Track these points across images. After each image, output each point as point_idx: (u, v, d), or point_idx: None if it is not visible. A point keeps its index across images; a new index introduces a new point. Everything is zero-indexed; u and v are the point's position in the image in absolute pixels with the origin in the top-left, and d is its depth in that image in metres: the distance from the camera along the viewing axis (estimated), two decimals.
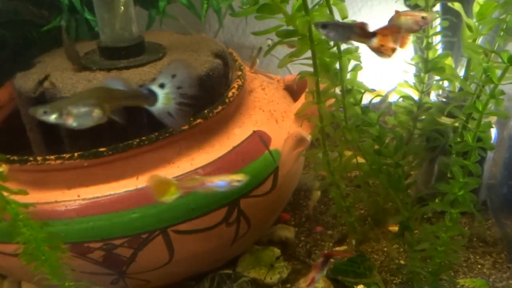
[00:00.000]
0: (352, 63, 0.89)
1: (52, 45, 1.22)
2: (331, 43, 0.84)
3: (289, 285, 1.12)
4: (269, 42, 1.05)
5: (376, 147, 0.94)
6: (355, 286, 1.06)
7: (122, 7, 1.05)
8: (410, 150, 1.01)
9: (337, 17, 0.81)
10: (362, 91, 0.90)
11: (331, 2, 0.79)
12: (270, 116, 1.10)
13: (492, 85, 0.84)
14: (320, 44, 0.82)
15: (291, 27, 0.83)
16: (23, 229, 0.73)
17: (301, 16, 0.79)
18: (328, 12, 0.79)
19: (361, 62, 0.88)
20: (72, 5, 1.22)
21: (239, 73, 1.13)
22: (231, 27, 1.93)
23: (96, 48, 1.12)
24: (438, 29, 1.05)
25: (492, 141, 1.07)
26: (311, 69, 0.90)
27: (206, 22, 1.90)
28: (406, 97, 1.10)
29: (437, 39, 1.07)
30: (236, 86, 1.07)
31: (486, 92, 0.84)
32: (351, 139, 0.91)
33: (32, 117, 0.99)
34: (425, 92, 1.10)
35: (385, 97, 1.31)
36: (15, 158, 0.92)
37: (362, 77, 0.95)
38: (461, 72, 1.16)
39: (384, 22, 0.76)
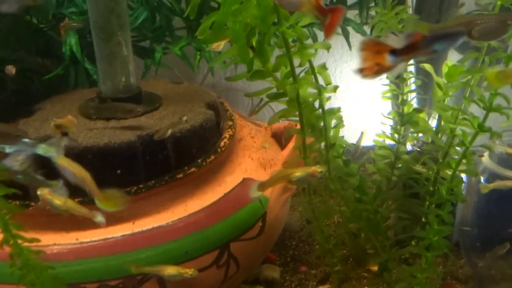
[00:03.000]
0: (335, 122, 0.98)
1: (51, 92, 1.29)
2: (316, 105, 0.93)
3: None
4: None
5: (357, 195, 1.02)
6: None
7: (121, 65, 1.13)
8: (388, 196, 1.10)
9: (322, 82, 0.91)
10: (344, 146, 0.99)
11: (316, 71, 0.89)
12: (258, 164, 1.18)
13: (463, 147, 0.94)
14: (307, 107, 0.91)
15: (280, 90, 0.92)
16: (31, 274, 0.78)
17: (290, 84, 0.88)
18: (313, 79, 0.89)
19: (342, 122, 0.98)
20: (73, 55, 1.31)
21: (230, 123, 1.21)
22: (220, 70, 2.03)
23: (95, 96, 1.19)
24: (413, 87, 1.17)
25: (462, 187, 1.18)
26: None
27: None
28: (383, 147, 1.20)
29: (412, 95, 1.18)
30: (227, 136, 1.15)
31: (454, 148, 0.94)
32: (334, 188, 1.00)
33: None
34: (401, 142, 1.20)
35: (357, 145, 1.41)
36: (17, 203, 0.97)
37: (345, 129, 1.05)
38: (434, 123, 1.27)
39: None
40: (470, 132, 0.92)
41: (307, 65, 0.89)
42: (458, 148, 0.94)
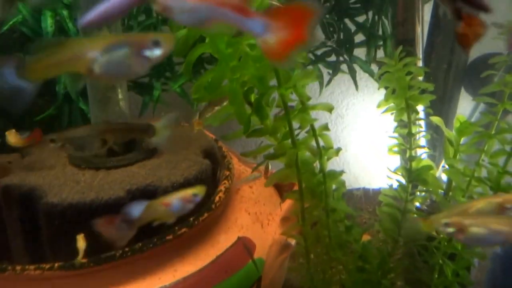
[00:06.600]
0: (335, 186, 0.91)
1: (44, 131, 1.23)
2: (317, 170, 0.86)
3: None
4: None
5: (360, 264, 0.94)
6: None
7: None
8: (393, 268, 1.01)
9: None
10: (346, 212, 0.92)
11: (317, 133, 0.82)
12: (255, 219, 1.11)
13: None
14: (306, 173, 0.84)
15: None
16: None
17: (289, 148, 0.81)
18: (314, 143, 0.82)
19: (345, 188, 0.91)
20: (67, 94, 1.25)
21: (227, 173, 1.14)
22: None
23: None
24: (422, 141, 1.09)
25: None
26: None
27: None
28: (389, 205, 1.11)
29: (420, 150, 1.10)
30: (223, 189, 1.08)
31: None
32: (334, 256, 0.92)
33: (13, 221, 0.99)
34: (409, 201, 1.11)
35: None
36: None
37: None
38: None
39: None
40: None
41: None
42: None
